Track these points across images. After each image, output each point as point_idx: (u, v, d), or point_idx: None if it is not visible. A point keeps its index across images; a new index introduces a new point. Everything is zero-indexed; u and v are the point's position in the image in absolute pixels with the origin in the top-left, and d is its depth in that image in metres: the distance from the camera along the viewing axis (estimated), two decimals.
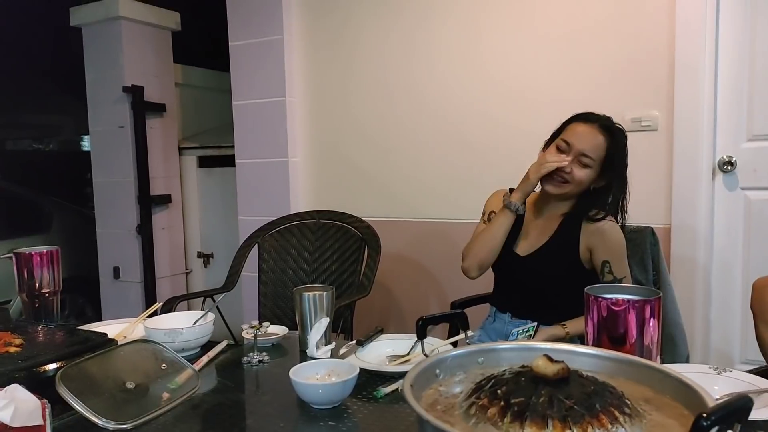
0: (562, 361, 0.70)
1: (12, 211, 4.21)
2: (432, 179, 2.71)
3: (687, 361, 1.91)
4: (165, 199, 3.62)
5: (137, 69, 3.47)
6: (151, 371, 1.13)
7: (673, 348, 1.89)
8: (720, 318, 2.30)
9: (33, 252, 1.55)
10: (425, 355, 0.85)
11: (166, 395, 1.09)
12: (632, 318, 0.94)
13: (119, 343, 1.18)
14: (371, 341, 1.33)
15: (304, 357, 1.33)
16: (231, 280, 2.36)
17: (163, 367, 1.15)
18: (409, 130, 2.74)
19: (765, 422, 0.95)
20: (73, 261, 4.09)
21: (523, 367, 0.74)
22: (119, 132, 3.49)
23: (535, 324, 1.52)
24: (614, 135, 1.61)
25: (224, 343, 1.40)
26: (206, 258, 3.77)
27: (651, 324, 0.95)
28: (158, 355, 1.17)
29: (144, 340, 1.20)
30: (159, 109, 3.56)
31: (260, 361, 1.31)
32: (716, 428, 0.56)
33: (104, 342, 1.19)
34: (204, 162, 3.76)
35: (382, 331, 1.36)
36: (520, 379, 0.70)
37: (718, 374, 1.13)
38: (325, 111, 2.96)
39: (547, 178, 1.62)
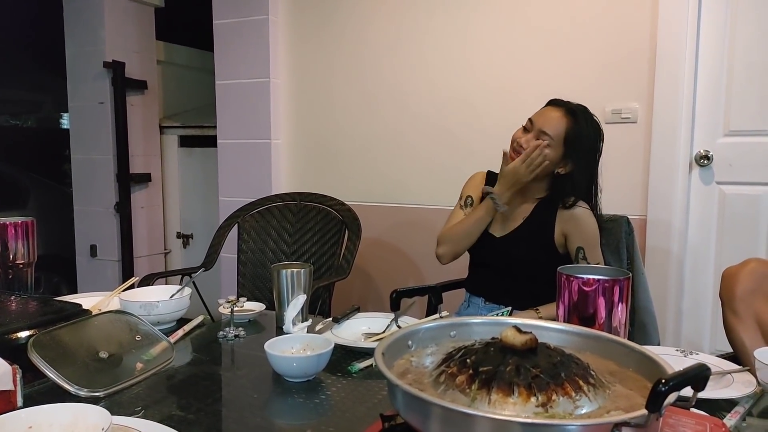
0: (531, 332, 0.71)
1: None
2: (413, 165, 2.72)
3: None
4: (144, 178, 3.58)
5: (119, 45, 3.42)
6: (125, 342, 1.13)
7: (644, 335, 1.92)
8: (692, 308, 2.35)
9: (8, 222, 1.53)
10: (398, 326, 0.86)
11: (139, 365, 1.09)
12: (602, 298, 0.96)
13: (93, 314, 1.17)
14: (348, 319, 1.34)
15: (280, 333, 1.33)
16: (210, 259, 2.35)
17: (138, 338, 1.15)
18: (392, 116, 2.74)
19: (726, 401, 0.98)
20: (49, 238, 4.04)
21: (493, 338, 0.76)
22: (99, 108, 3.44)
23: (509, 308, 1.54)
24: (577, 118, 1.62)
25: (200, 318, 1.40)
26: (185, 238, 3.75)
27: (620, 307, 0.97)
28: (133, 326, 1.17)
29: (119, 312, 1.20)
30: (140, 86, 3.51)
31: (236, 336, 1.32)
32: (675, 394, 0.58)
33: (78, 312, 1.18)
34: (185, 142, 3.73)
35: (358, 310, 1.37)
36: (489, 349, 0.72)
37: (685, 356, 1.17)
38: (309, 93, 2.94)
39: (510, 154, 1.65)
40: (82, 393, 0.99)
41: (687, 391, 0.61)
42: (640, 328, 1.92)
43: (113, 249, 3.52)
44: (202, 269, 2.28)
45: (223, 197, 3.08)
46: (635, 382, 0.73)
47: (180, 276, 2.33)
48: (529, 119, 1.66)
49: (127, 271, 3.48)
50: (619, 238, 1.94)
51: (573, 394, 0.65)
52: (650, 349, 0.75)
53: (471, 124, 2.59)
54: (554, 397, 0.64)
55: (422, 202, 2.69)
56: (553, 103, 1.68)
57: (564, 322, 1.00)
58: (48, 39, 3.76)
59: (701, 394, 1.01)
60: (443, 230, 1.75)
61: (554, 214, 1.64)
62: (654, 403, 0.55)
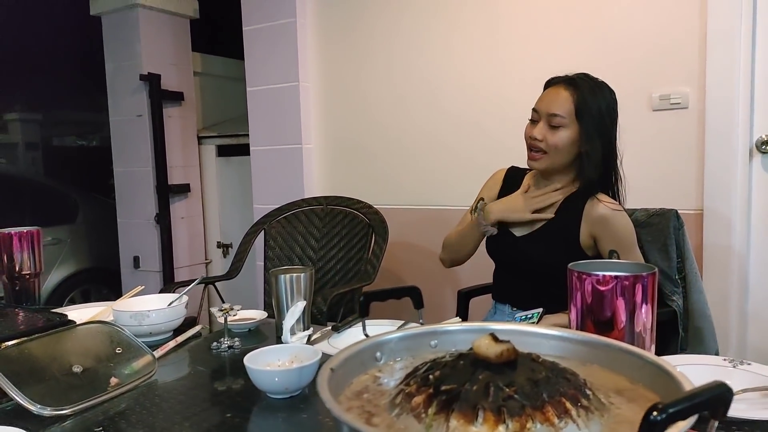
0: (508, 341, 0.58)
1: (43, 202, 4.28)
2: (446, 165, 2.58)
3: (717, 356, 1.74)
4: (184, 189, 3.59)
5: (155, 57, 3.44)
6: (103, 355, 1.06)
7: (700, 342, 1.72)
8: (758, 312, 2.11)
9: (12, 233, 1.50)
10: (366, 335, 0.74)
11: (114, 380, 1.01)
12: (620, 299, 0.81)
13: (69, 326, 1.11)
14: (349, 327, 1.23)
15: (280, 344, 1.24)
16: (235, 267, 2.29)
17: (118, 351, 1.08)
18: (423, 115, 2.62)
19: None
20: (97, 251, 4.13)
21: (471, 349, 0.63)
22: (137, 121, 3.48)
23: (540, 310, 1.38)
24: (580, 85, 1.45)
25: (197, 328, 1.31)
26: (225, 248, 3.73)
27: (644, 308, 0.81)
28: (114, 337, 1.09)
29: (101, 322, 1.13)
30: (177, 97, 3.53)
31: (230, 347, 1.22)
32: (680, 425, 0.43)
33: (58, 323, 1.12)
34: (223, 151, 3.72)
35: (359, 318, 1.25)
36: (459, 363, 0.59)
37: (734, 367, 0.99)
38: (339, 95, 2.86)
39: (528, 154, 1.51)
40: (46, 412, 0.91)
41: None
42: (696, 334, 1.71)
43: (155, 260, 3.54)
44: (225, 279, 2.23)
45: (258, 204, 3.04)
46: (648, 403, 0.58)
47: (203, 285, 2.29)
48: (533, 109, 1.51)
49: (168, 282, 3.49)
50: (666, 234, 1.74)
51: (554, 419, 0.51)
52: (667, 361, 0.60)
53: (504, 120, 2.43)
54: (530, 424, 0.51)
55: (456, 203, 2.55)
56: (550, 83, 1.53)
57: (577, 327, 0.85)
58: (97, 58, 3.85)
59: (754, 415, 0.84)
60: (449, 234, 1.65)
61: (580, 213, 1.47)
62: None
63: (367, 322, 1.24)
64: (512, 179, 1.65)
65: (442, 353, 0.69)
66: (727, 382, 0.93)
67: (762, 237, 2.08)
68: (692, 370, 0.95)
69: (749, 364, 0.99)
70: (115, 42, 3.51)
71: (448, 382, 0.55)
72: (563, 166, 1.49)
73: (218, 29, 3.93)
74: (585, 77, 1.48)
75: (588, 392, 0.56)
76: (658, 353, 1.08)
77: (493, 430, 0.50)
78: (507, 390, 0.53)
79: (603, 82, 1.50)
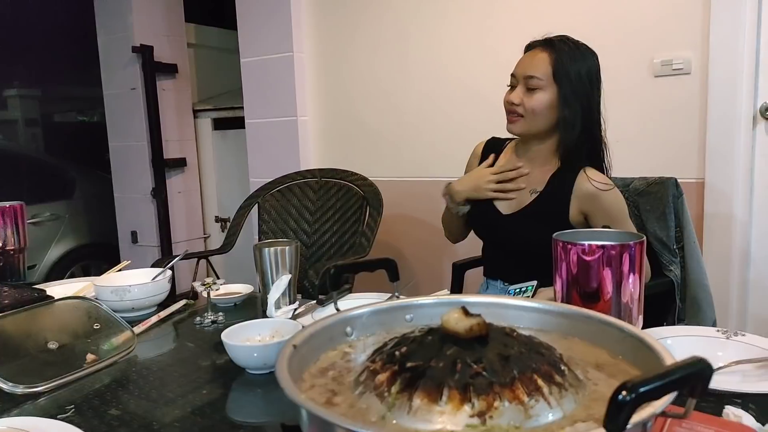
0: (479, 315, 0.54)
1: (41, 178, 4.26)
2: (444, 137, 2.53)
3: (714, 326, 1.71)
4: (180, 163, 3.55)
5: (147, 29, 3.37)
6: (80, 331, 1.03)
7: (697, 312, 1.69)
8: (760, 281, 2.07)
9: None
10: (337, 309, 0.71)
11: (91, 357, 0.98)
12: (607, 269, 0.77)
13: (45, 301, 1.08)
14: (336, 300, 1.20)
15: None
16: (228, 242, 2.27)
17: (96, 326, 1.05)
18: (420, 87, 2.56)
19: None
20: (97, 227, 4.12)
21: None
22: (131, 94, 3.42)
23: (534, 283, 1.34)
24: (557, 48, 1.39)
25: (182, 303, 1.29)
26: (224, 222, 3.71)
27: (631, 278, 0.78)
28: (92, 313, 1.07)
29: (79, 298, 1.10)
30: (170, 70, 3.46)
31: (213, 322, 1.20)
32: (655, 404, 0.40)
33: (34, 299, 1.09)
34: (219, 124, 3.67)
35: (349, 290, 1.23)
36: (427, 338, 0.55)
37: (727, 338, 0.95)
38: (334, 67, 2.80)
39: (507, 118, 1.45)
40: (18, 390, 0.89)
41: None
42: (692, 304, 1.68)
43: (152, 235, 3.52)
44: (221, 253, 2.20)
45: (254, 178, 3.00)
46: (628, 377, 0.55)
47: (196, 260, 2.27)
48: (511, 75, 1.46)
49: (166, 257, 3.47)
50: (665, 203, 1.70)
51: (524, 397, 0.48)
52: (655, 332, 0.57)
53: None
54: (497, 402, 0.48)
55: (454, 174, 2.49)
56: (528, 47, 1.48)
57: (563, 299, 0.81)
58: (93, 31, 3.77)
59: (747, 388, 0.81)
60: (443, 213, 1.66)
61: (569, 189, 1.41)
62: (614, 419, 0.37)
63: (351, 296, 1.22)
64: (491, 149, 1.60)
65: (413, 328, 0.66)
66: (720, 353, 0.91)
67: (765, 205, 2.03)
68: (683, 342, 0.92)
69: (743, 335, 0.96)
70: (106, 14, 3.44)
71: (413, 359, 0.52)
72: (542, 131, 1.43)
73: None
74: (564, 39, 1.42)
75: (563, 368, 0.53)
76: (656, 324, 1.05)
77: (458, 409, 0.47)
78: (475, 366, 0.50)
79: (584, 44, 1.43)
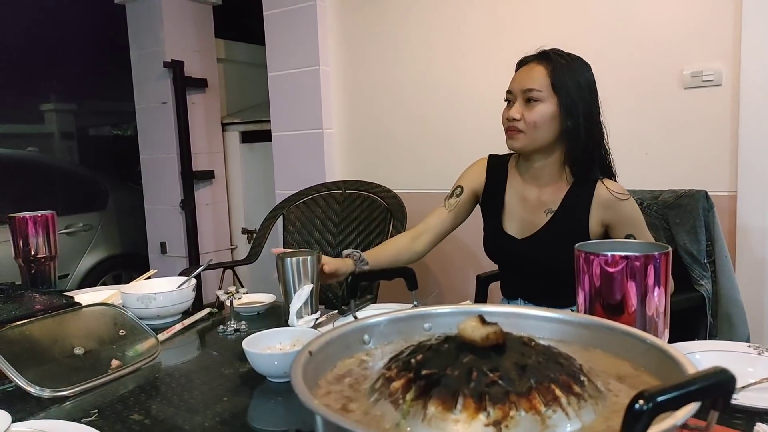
0: (495, 324, 0.54)
1: (75, 190, 4.37)
2: (469, 150, 2.50)
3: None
4: (208, 175, 3.61)
5: (178, 44, 3.45)
6: (106, 337, 1.05)
7: (730, 328, 1.64)
8: None
9: (27, 217, 1.51)
10: (355, 317, 0.71)
11: (115, 363, 1.00)
12: (631, 281, 0.76)
13: (75, 307, 1.10)
14: (358, 310, 1.20)
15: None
16: (254, 252, 2.29)
17: (122, 333, 1.07)
18: (444, 100, 2.56)
19: None
20: (128, 238, 4.20)
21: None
22: (162, 108, 3.50)
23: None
24: (553, 60, 1.38)
25: (206, 311, 1.30)
26: (250, 234, 3.74)
27: (656, 291, 0.76)
28: (118, 320, 1.09)
29: (105, 305, 1.12)
30: (200, 84, 3.53)
31: (236, 330, 1.21)
32: (677, 415, 0.39)
33: (62, 305, 1.12)
34: (246, 137, 3.72)
35: (372, 300, 1.22)
36: (443, 346, 0.55)
37: (759, 354, 0.93)
38: (359, 80, 2.82)
39: (506, 134, 1.43)
40: (45, 393, 0.91)
41: None
42: (725, 320, 1.64)
43: (181, 246, 3.57)
44: (245, 264, 2.22)
45: (279, 190, 3.02)
46: None
47: (222, 270, 2.29)
48: (507, 91, 1.44)
49: (193, 267, 3.52)
50: (695, 216, 1.67)
51: (541, 407, 0.47)
52: (673, 346, 0.55)
53: None
54: (513, 412, 0.47)
55: None
56: (521, 62, 1.46)
57: (586, 312, 0.80)
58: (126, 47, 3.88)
59: None
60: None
61: (589, 200, 1.37)
62: (630, 429, 0.36)
63: (373, 306, 1.21)
64: (495, 168, 1.56)
65: (430, 337, 0.66)
66: (750, 369, 0.88)
67: None
68: (712, 357, 0.89)
69: None
70: (139, 30, 3.53)
71: (429, 366, 0.52)
72: (544, 145, 1.39)
73: (241, 15, 3.91)
74: (558, 51, 1.41)
75: (583, 378, 0.52)
76: (687, 340, 1.02)
77: (473, 418, 0.47)
78: (491, 375, 0.49)
79: (577, 56, 1.42)
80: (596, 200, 1.37)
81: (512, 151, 1.50)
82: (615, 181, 1.43)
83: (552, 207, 1.42)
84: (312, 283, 1.23)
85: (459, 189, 1.57)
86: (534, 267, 1.45)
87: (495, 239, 1.51)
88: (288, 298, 1.24)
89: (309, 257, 1.24)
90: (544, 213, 1.43)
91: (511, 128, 1.40)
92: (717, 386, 0.40)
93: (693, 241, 1.65)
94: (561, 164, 1.42)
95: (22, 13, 5.48)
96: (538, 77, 1.36)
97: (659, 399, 0.37)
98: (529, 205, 1.46)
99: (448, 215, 1.58)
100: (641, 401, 0.36)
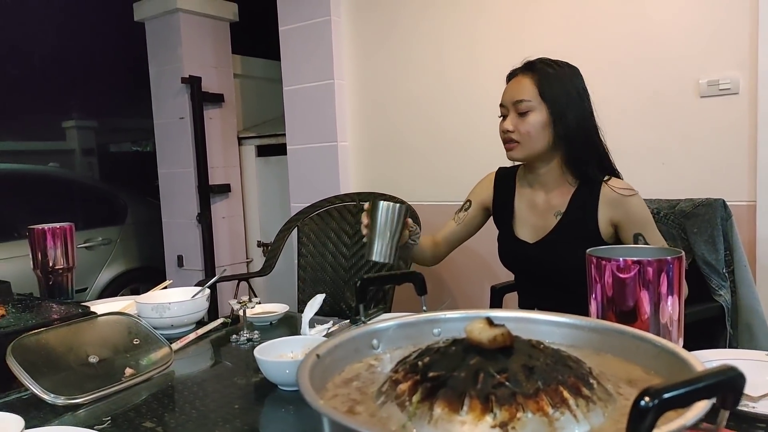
0: (503, 326, 0.53)
1: (95, 204, 4.43)
2: (483, 163, 2.50)
3: None
4: (224, 189, 3.64)
5: (196, 60, 3.51)
6: (120, 345, 1.06)
7: (750, 339, 1.61)
8: None
9: (46, 228, 1.53)
10: (363, 321, 0.71)
11: (129, 371, 1.01)
12: (644, 287, 0.75)
13: (90, 316, 1.11)
14: (369, 319, 1.19)
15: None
16: (268, 264, 2.30)
17: (136, 342, 1.08)
18: (459, 112, 2.57)
19: None
20: (146, 251, 4.24)
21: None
22: (180, 123, 3.54)
23: None
24: (537, 68, 1.40)
25: (219, 321, 1.31)
26: (266, 247, 3.76)
27: (670, 299, 0.75)
28: (132, 329, 1.10)
29: (120, 314, 1.13)
30: (217, 99, 3.58)
31: (249, 340, 1.21)
32: (687, 416, 0.38)
33: (77, 315, 1.13)
34: (262, 151, 3.76)
35: (384, 310, 1.22)
36: (450, 349, 0.55)
37: None
38: (374, 93, 2.84)
39: (505, 147, 1.46)
40: (59, 401, 0.92)
41: None
42: (745, 331, 1.61)
43: (197, 259, 3.60)
44: (259, 276, 2.23)
45: (295, 203, 3.04)
46: None
47: (236, 282, 2.31)
48: (500, 105, 1.47)
49: (208, 279, 3.53)
50: (713, 225, 1.65)
51: (549, 409, 0.47)
52: (683, 349, 0.54)
53: None
54: (520, 413, 0.46)
55: None
56: (510, 76, 1.48)
57: (598, 318, 0.79)
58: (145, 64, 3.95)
59: None
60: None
61: (596, 200, 1.39)
62: (636, 426, 0.36)
63: (385, 315, 1.21)
64: (503, 180, 1.60)
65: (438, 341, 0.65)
66: (766, 378, 0.86)
67: None
68: None
69: None
70: (157, 46, 3.59)
71: (435, 369, 0.51)
72: (542, 152, 1.41)
73: (258, 31, 3.97)
74: (543, 59, 1.43)
75: (592, 381, 0.51)
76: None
77: (479, 420, 0.46)
78: (498, 377, 0.49)
79: (565, 62, 1.44)
80: (602, 199, 1.39)
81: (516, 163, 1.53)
82: (620, 179, 1.44)
83: (560, 209, 1.44)
84: (393, 234, 1.26)
85: (468, 203, 1.63)
86: (547, 271, 1.46)
87: (508, 246, 1.53)
88: (371, 241, 1.27)
89: (399, 205, 1.27)
90: (554, 216, 1.45)
91: (507, 140, 1.44)
92: (725, 383, 0.39)
93: (711, 250, 1.63)
94: (561, 168, 1.44)
95: (44, 33, 5.61)
96: (526, 88, 1.39)
97: (665, 396, 0.36)
98: (539, 210, 1.48)
99: (456, 228, 1.65)
100: (647, 398, 0.36)
